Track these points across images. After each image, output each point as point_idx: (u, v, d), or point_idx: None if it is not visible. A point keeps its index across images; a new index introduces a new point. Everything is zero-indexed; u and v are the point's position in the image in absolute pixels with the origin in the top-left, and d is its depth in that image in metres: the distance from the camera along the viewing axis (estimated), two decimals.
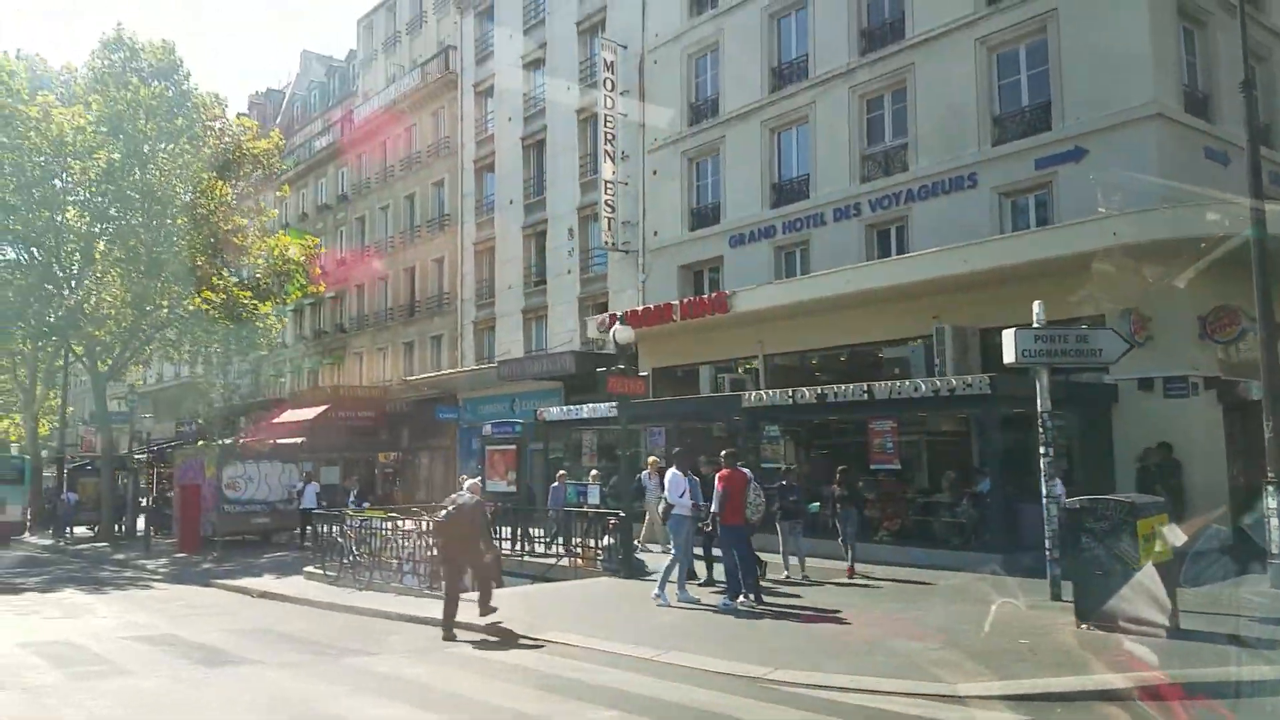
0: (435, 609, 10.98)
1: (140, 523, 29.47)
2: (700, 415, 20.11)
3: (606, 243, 26.29)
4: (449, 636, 10.30)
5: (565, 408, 22.52)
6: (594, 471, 18.61)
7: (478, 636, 10.32)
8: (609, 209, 26.03)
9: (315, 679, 8.50)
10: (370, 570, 14.64)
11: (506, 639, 10.10)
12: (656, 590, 11.60)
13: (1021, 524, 14.49)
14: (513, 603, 11.49)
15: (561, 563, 15.68)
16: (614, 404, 21.46)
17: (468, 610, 10.56)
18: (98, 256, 26.30)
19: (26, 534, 31.22)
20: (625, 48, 26.48)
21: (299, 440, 30.20)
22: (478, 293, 32.98)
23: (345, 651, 9.83)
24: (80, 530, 30.55)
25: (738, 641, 9.26)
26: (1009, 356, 11.27)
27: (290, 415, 35.86)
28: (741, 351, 22.31)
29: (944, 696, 6.86)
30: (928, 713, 6.58)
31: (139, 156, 25.79)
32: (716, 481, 11.53)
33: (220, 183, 27.79)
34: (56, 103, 25.11)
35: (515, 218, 31.15)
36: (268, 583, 16.15)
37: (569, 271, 28.80)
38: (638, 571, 14.50)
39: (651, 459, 14.64)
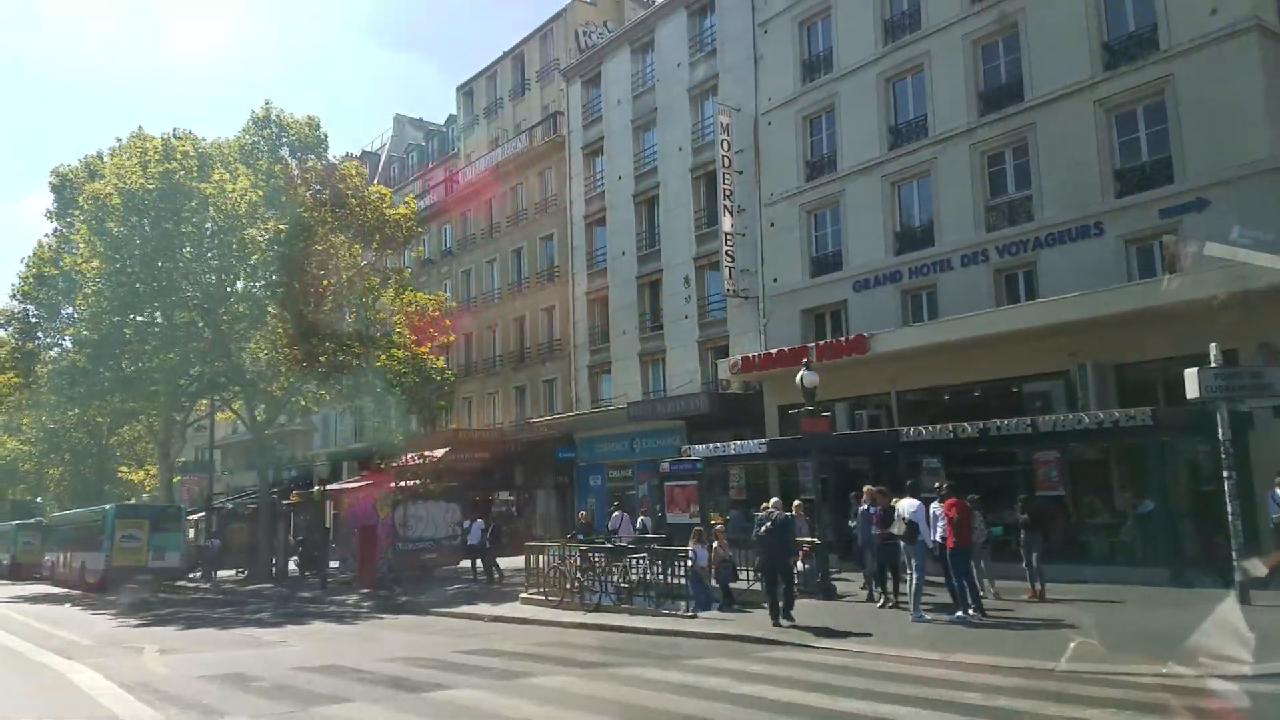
0: (683, 625, 12.86)
1: (290, 563, 31.79)
2: (856, 449, 21.84)
3: (727, 290, 28.33)
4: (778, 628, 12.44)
5: (713, 445, 24.34)
6: (796, 502, 19.48)
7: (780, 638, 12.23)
8: (729, 259, 28.10)
9: (698, 675, 10.23)
10: (599, 594, 16.56)
11: (805, 641, 11.96)
12: (913, 612, 13.33)
13: (1181, 541, 16.20)
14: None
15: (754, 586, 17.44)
16: (763, 441, 23.47)
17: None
18: (269, 319, 28.71)
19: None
20: (739, 110, 28.70)
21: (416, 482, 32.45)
22: (590, 339, 35.13)
23: (669, 659, 11.43)
24: (223, 573, 32.77)
25: (1001, 643, 11.04)
26: (1192, 393, 13.04)
27: (412, 458, 38.06)
28: (873, 388, 24.12)
29: (1229, 676, 8.59)
30: (1222, 686, 8.33)
31: (300, 225, 28.27)
32: (944, 509, 13.33)
33: (358, 246, 30.32)
34: (229, 177, 27.65)
35: (628, 268, 33.33)
36: (492, 609, 18.05)
37: (686, 317, 30.85)
38: (833, 594, 16.30)
39: (868, 488, 16.16)
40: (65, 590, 32.13)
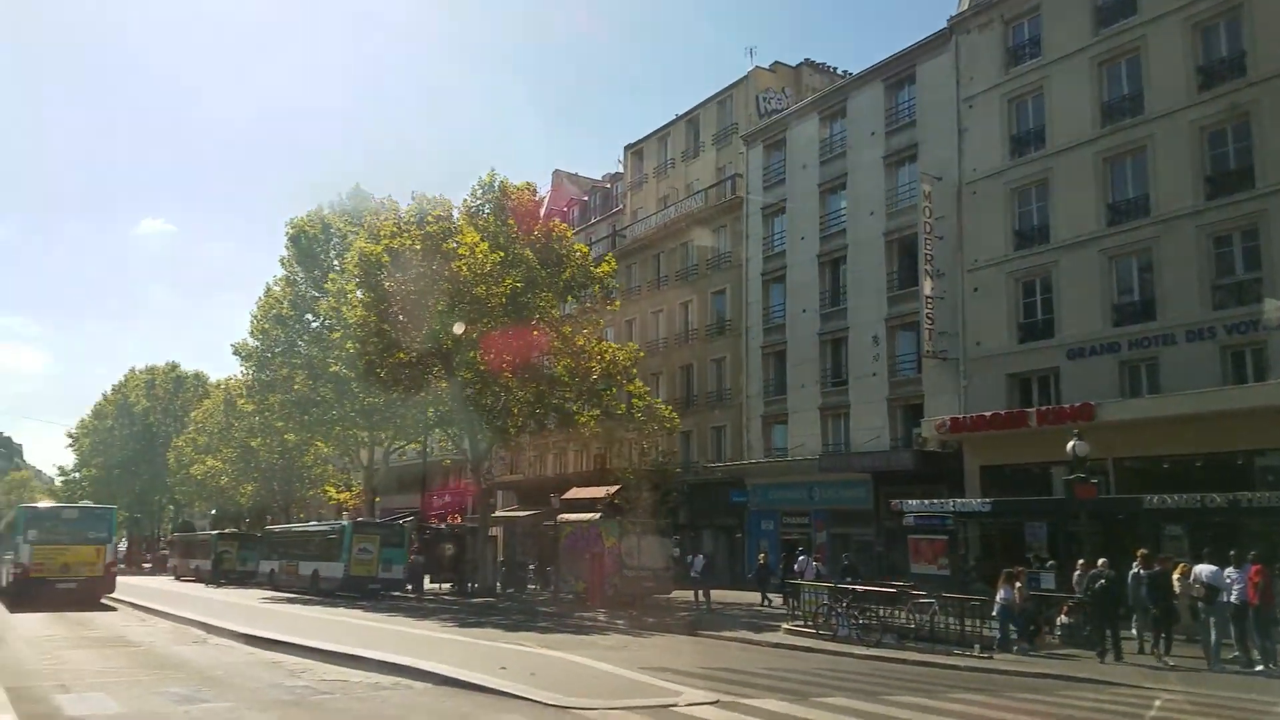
0: (983, 663, 14.07)
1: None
2: (1095, 514, 22.66)
3: (926, 351, 29.53)
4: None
5: (927, 501, 25.34)
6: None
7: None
8: (929, 321, 29.34)
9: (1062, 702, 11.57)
10: (878, 632, 17.75)
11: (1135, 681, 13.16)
12: (1213, 663, 14.40)
13: None
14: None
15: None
16: (986, 501, 24.45)
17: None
18: (506, 372, 30.70)
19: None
20: (940, 179, 30.13)
21: (596, 515, 34.14)
22: (765, 390, 36.52)
23: (1021, 691, 12.79)
24: (429, 587, 34.98)
25: None
26: None
27: (579, 493, 39.78)
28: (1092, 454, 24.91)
29: None
30: None
31: (530, 283, 30.43)
32: (1252, 573, 14.41)
33: (565, 300, 32.59)
34: (478, 238, 29.94)
35: (809, 325, 34.76)
36: (764, 636, 19.37)
37: (874, 375, 32.06)
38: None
39: (1141, 551, 17.01)
40: (293, 594, 34.13)
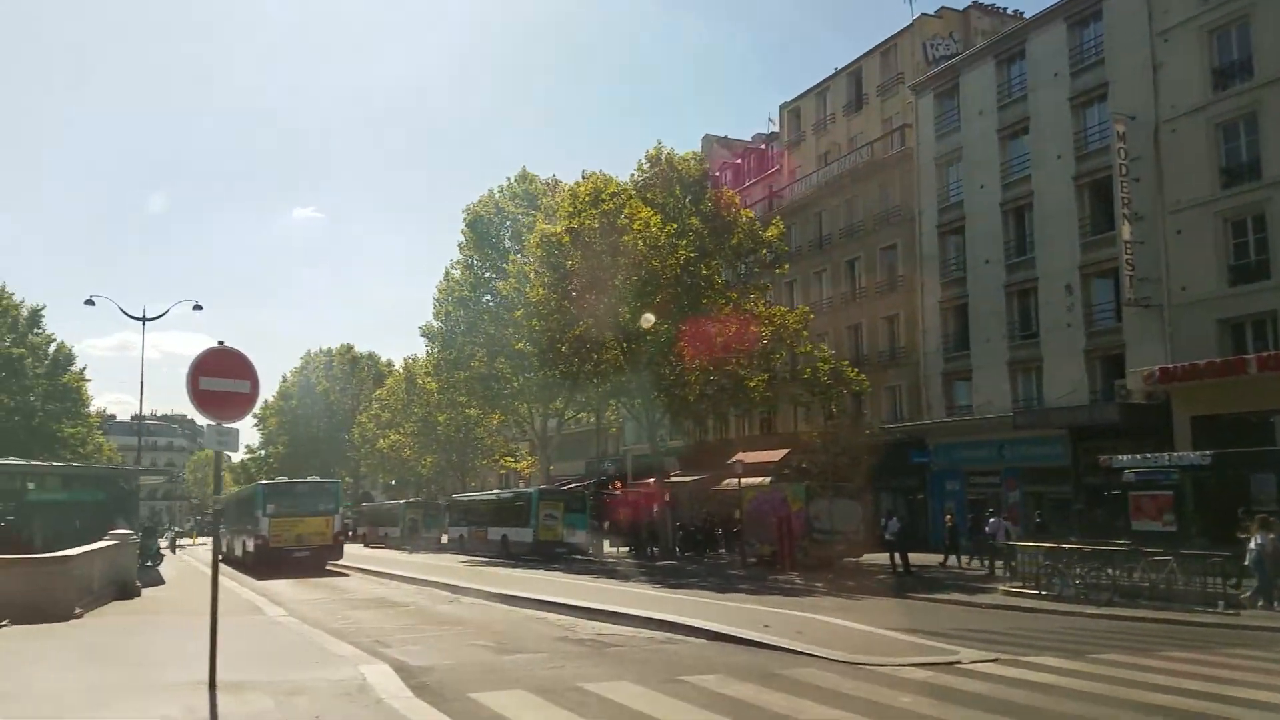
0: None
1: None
2: None
3: (1127, 300, 28.30)
4: None
5: (1142, 456, 24.44)
6: None
7: None
8: (1129, 267, 28.06)
9: None
10: (1109, 591, 17.46)
11: None
12: None
13: None
14: None
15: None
16: (1206, 454, 23.43)
17: None
18: (681, 342, 31.39)
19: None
20: (1134, 119, 28.63)
21: (766, 480, 34.59)
22: (944, 346, 35.82)
23: None
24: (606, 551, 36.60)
25: None
26: None
27: (748, 457, 40.23)
28: None
29: None
30: None
31: (703, 253, 30.87)
32: None
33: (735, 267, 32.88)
34: (651, 213, 30.56)
35: (993, 277, 33.79)
36: (978, 598, 19.38)
37: (1068, 325, 30.95)
38: None
39: None
40: (484, 558, 36.23)
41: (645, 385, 33.61)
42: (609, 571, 28.47)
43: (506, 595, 18.31)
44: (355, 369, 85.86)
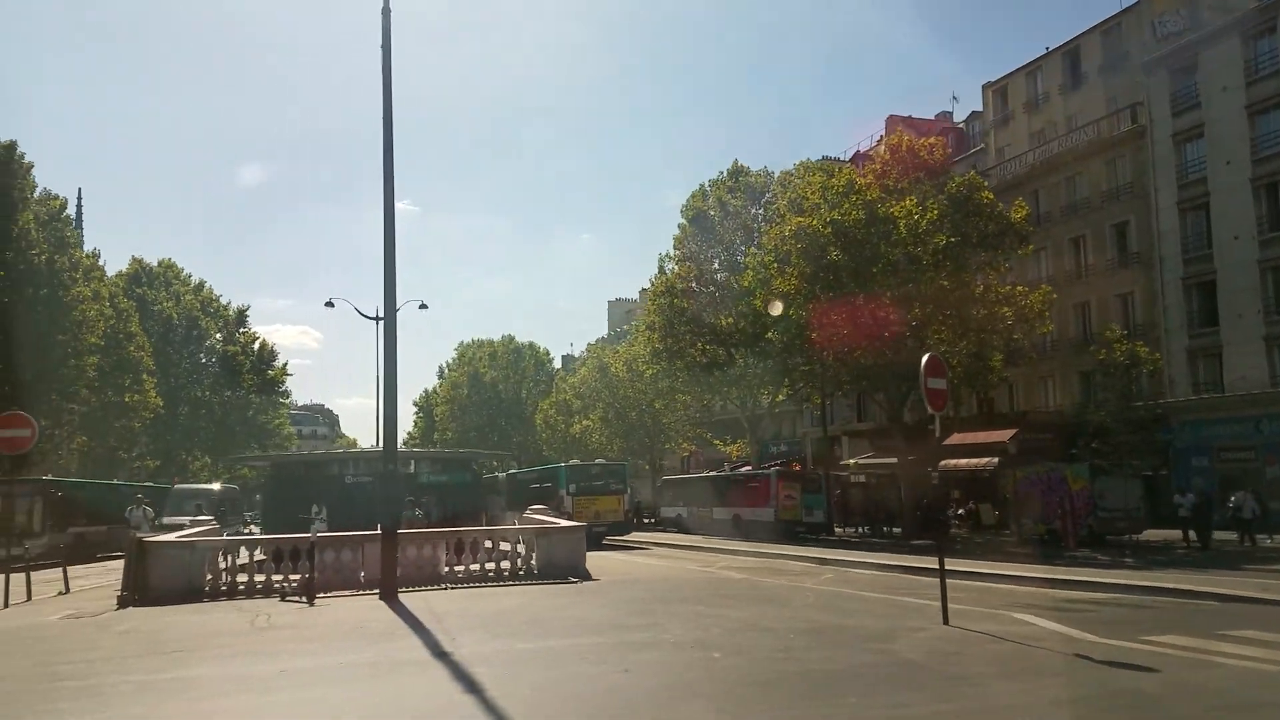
0: None
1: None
2: None
3: None
4: None
5: None
6: None
7: None
8: None
9: None
10: None
11: None
12: None
13: None
14: None
15: None
16: None
17: None
18: (917, 310, 32.61)
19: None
20: None
21: (993, 460, 35.44)
22: (1187, 323, 36.05)
23: None
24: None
25: None
26: None
27: (970, 438, 41.10)
28: None
29: None
30: None
31: (963, 237, 31.96)
32: None
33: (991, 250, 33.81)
34: (915, 201, 31.86)
35: (1244, 252, 33.92)
36: None
37: None
38: None
39: None
40: (711, 536, 37.90)
41: (887, 370, 34.64)
42: (909, 549, 29.01)
43: (891, 566, 20.04)
44: (519, 358, 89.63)
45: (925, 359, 11.26)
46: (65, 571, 19.55)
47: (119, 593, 16.24)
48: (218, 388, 62.54)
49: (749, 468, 46.45)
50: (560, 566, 18.13)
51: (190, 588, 16.00)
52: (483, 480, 29.29)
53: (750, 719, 6.94)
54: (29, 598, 16.94)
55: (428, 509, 23.70)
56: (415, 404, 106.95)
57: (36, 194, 43.35)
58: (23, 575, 17.52)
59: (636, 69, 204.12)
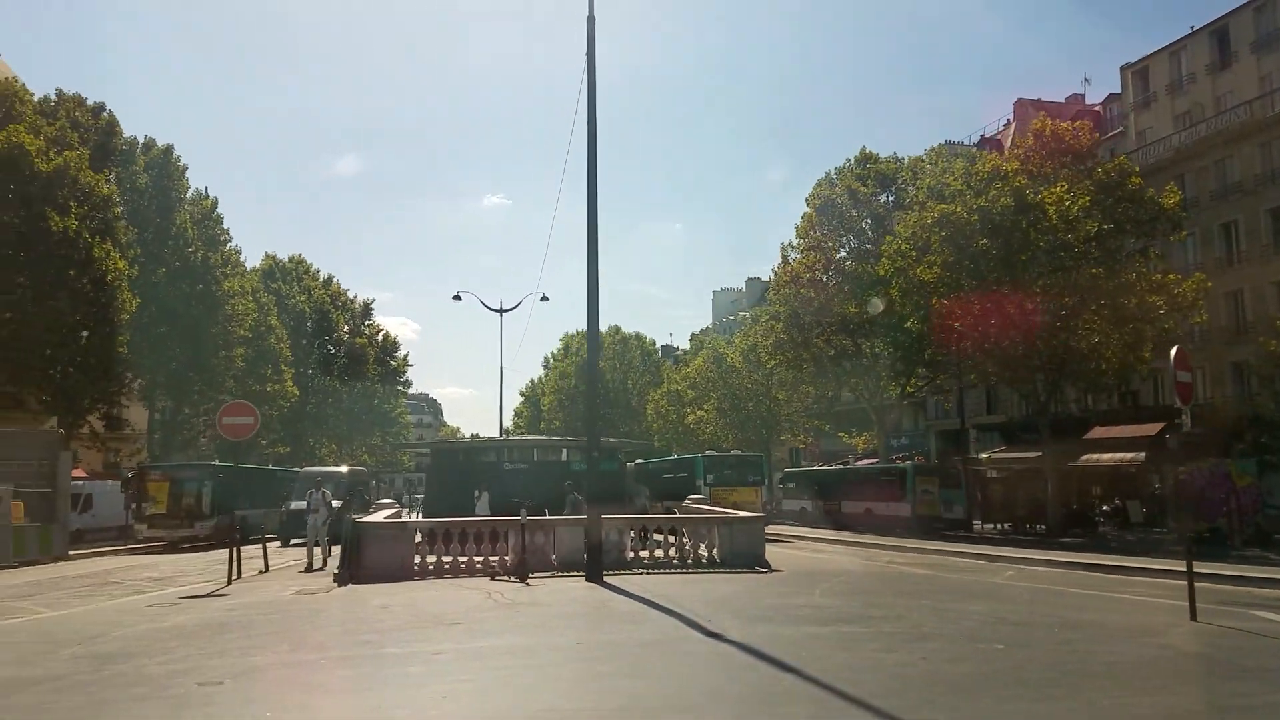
0: None
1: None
2: None
3: None
4: None
5: None
6: None
7: None
8: None
9: None
10: None
11: None
12: None
13: None
14: None
15: None
16: None
17: None
18: (1067, 299, 31.69)
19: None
20: None
21: (1140, 455, 34.25)
22: None
23: None
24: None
25: None
26: None
27: (1114, 432, 39.84)
28: None
29: None
30: None
31: (1117, 225, 31.04)
32: None
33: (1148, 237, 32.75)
34: (1066, 188, 31.14)
35: None
36: None
37: None
38: None
39: None
40: (837, 530, 37.55)
41: (1034, 361, 33.88)
42: (1059, 546, 27.91)
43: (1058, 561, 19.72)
44: (625, 348, 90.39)
45: (1174, 352, 11.13)
46: (265, 549, 20.78)
47: (335, 570, 17.20)
48: (345, 377, 64.89)
49: (871, 461, 45.97)
50: (742, 555, 18.36)
51: (401, 567, 16.84)
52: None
53: (1121, 707, 6.87)
54: (239, 575, 17.65)
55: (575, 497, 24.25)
56: (521, 394, 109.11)
57: (189, 194, 45.85)
58: (226, 554, 18.15)
59: (731, 50, 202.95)
